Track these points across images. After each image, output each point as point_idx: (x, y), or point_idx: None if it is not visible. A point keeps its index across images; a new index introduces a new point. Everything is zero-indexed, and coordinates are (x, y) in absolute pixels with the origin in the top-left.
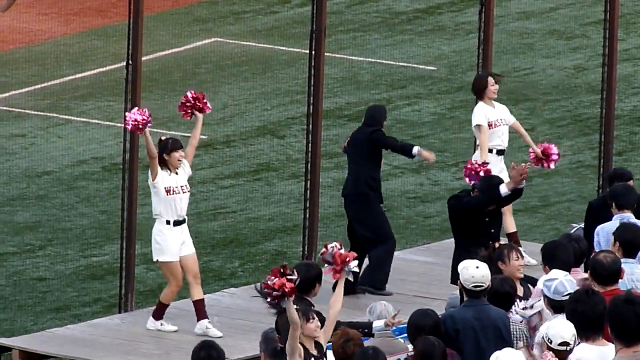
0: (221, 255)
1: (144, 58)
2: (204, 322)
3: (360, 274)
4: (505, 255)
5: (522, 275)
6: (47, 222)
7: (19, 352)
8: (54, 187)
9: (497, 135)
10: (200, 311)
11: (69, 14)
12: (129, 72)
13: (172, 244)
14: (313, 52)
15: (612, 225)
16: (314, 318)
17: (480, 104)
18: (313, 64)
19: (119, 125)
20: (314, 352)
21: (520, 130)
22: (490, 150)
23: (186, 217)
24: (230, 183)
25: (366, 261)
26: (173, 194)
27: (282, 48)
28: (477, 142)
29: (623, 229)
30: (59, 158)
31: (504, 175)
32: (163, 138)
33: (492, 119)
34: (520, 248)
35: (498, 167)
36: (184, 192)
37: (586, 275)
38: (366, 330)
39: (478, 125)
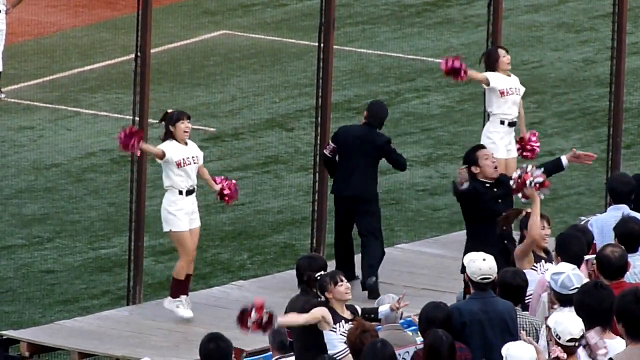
0: (230, 247)
1: (152, 50)
2: (182, 297)
3: (367, 267)
4: None
5: (546, 244)
6: (56, 215)
7: (27, 344)
8: (62, 180)
9: (509, 105)
10: (184, 286)
11: (78, 6)
12: (138, 64)
13: (184, 214)
14: (322, 45)
15: (606, 216)
16: (342, 280)
17: (496, 73)
18: (322, 56)
19: (127, 117)
20: (346, 315)
21: (521, 116)
22: (502, 122)
23: (196, 187)
24: (239, 175)
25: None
26: (184, 165)
27: (290, 40)
28: (489, 111)
29: (621, 224)
30: (67, 150)
31: (513, 147)
32: (169, 111)
33: (505, 87)
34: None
35: (508, 139)
36: (194, 163)
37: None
38: (372, 316)
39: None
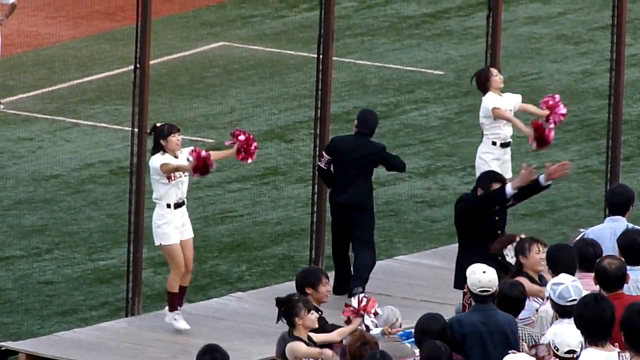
0: (228, 259)
1: (151, 62)
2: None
3: (354, 274)
4: (526, 248)
5: (543, 269)
6: (54, 226)
7: (26, 355)
8: (61, 191)
9: (501, 125)
10: (179, 298)
11: (77, 18)
12: (137, 75)
13: (174, 227)
14: (321, 56)
15: (602, 227)
16: (316, 310)
17: (490, 94)
18: (321, 68)
19: (126, 128)
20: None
21: (528, 108)
22: (494, 143)
23: (185, 200)
24: (238, 187)
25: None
26: (175, 179)
27: (290, 52)
28: (484, 133)
29: (623, 236)
30: (66, 161)
31: (507, 168)
32: (158, 125)
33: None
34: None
35: (502, 160)
36: (185, 176)
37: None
38: None
39: (495, 109)
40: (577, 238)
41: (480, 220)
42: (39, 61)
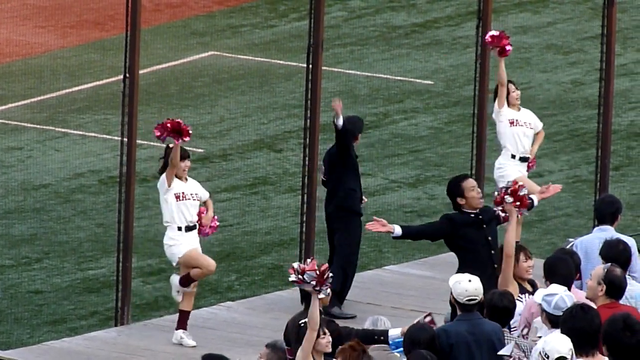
0: (218, 268)
1: (141, 71)
2: (180, 332)
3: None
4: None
5: (530, 276)
6: (44, 235)
7: None
8: (50, 200)
9: (519, 137)
10: (181, 321)
11: (66, 27)
12: (126, 85)
13: (185, 245)
14: (310, 66)
15: (591, 237)
16: (325, 333)
17: (505, 108)
18: (310, 77)
19: (115, 138)
20: None
21: (538, 139)
22: (513, 156)
23: (197, 224)
24: (227, 196)
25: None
26: (183, 199)
27: (279, 62)
28: (503, 145)
29: (605, 246)
30: (55, 171)
31: (524, 182)
32: (171, 145)
33: (514, 118)
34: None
35: (519, 173)
36: (194, 200)
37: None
38: (382, 338)
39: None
40: (567, 247)
41: (472, 233)
42: (28, 70)
